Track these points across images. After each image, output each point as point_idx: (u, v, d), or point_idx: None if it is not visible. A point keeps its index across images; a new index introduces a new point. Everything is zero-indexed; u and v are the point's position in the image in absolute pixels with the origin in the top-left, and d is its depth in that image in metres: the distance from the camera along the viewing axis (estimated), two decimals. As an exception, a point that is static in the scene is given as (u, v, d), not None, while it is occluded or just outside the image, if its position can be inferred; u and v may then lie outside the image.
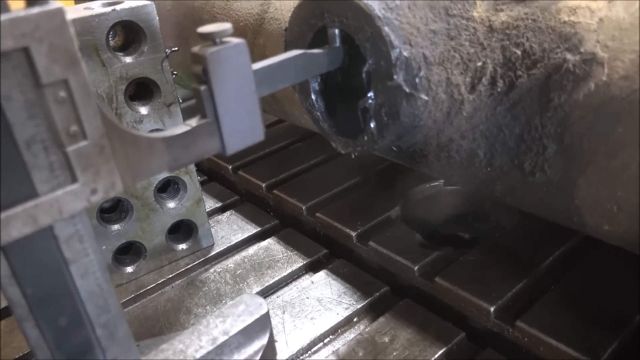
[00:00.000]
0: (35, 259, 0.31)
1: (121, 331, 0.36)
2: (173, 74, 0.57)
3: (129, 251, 0.63)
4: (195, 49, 0.36)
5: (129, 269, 0.62)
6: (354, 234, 0.64)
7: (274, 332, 0.51)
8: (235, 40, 0.36)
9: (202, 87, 0.36)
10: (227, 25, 0.36)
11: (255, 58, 0.73)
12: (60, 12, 0.28)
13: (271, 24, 0.67)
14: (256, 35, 0.69)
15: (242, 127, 0.38)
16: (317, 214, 0.68)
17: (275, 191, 0.75)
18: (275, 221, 0.72)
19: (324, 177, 0.77)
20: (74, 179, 0.31)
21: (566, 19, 0.39)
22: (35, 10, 0.27)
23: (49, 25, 0.28)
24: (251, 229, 0.70)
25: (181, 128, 0.36)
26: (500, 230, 0.65)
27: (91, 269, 0.33)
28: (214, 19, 0.77)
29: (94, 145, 0.31)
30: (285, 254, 0.63)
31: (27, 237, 0.30)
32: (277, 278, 0.59)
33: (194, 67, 0.36)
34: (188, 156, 0.36)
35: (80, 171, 0.31)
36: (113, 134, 0.32)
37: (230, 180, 0.85)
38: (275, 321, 0.53)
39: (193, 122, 0.36)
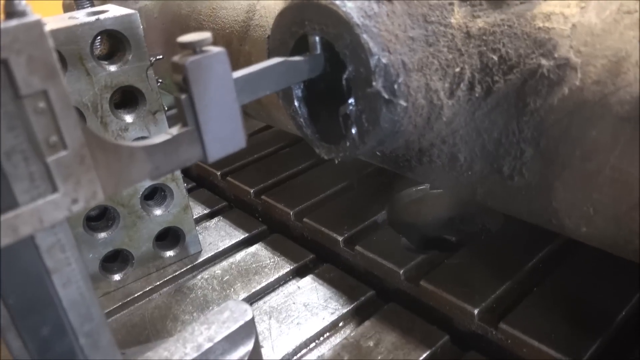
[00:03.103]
0: (16, 269, 0.32)
1: (104, 339, 0.36)
2: (158, 81, 0.57)
3: (116, 259, 0.63)
4: (176, 58, 0.36)
5: (117, 277, 0.62)
6: (340, 238, 0.64)
7: (260, 337, 0.52)
8: (215, 49, 0.37)
9: (183, 96, 0.36)
10: (206, 34, 0.36)
11: (241, 64, 0.73)
12: (38, 24, 0.28)
13: (256, 31, 0.68)
14: (242, 42, 0.70)
15: (223, 134, 0.39)
16: (305, 219, 0.69)
17: (263, 197, 0.76)
18: (263, 227, 0.72)
19: (312, 182, 0.78)
20: (54, 189, 0.31)
21: (541, 25, 0.40)
22: (14, 22, 0.28)
23: (27, 38, 0.28)
24: (239, 235, 0.70)
25: (162, 137, 0.36)
26: (486, 233, 0.66)
27: (73, 278, 0.34)
28: (200, 26, 0.78)
29: (74, 155, 0.31)
30: (273, 260, 0.63)
31: (8, 247, 0.30)
32: (264, 284, 0.60)
33: (175, 76, 0.37)
34: (170, 164, 0.36)
35: (60, 181, 0.31)
36: (94, 143, 0.32)
37: (219, 187, 0.85)
38: (261, 327, 0.53)
39: (174, 130, 0.37)
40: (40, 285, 0.33)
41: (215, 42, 0.75)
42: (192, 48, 0.36)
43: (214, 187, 0.86)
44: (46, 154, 0.30)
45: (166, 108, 0.59)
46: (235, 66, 0.79)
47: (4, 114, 0.29)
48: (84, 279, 0.34)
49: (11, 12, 0.28)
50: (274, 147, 0.90)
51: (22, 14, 0.28)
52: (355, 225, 0.66)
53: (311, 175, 0.81)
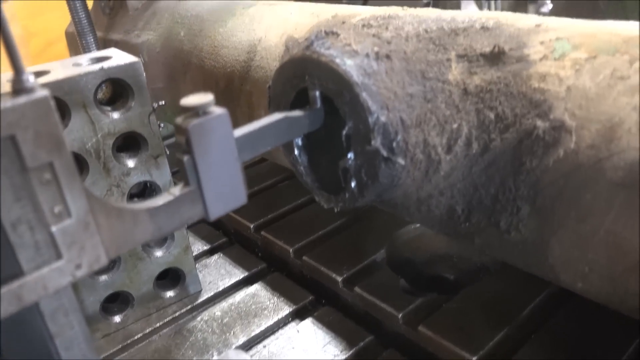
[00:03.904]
0: (20, 335, 0.32)
1: (106, 399, 0.36)
2: (160, 126, 0.58)
3: (116, 300, 0.63)
4: (179, 120, 0.37)
5: (117, 319, 0.62)
6: (340, 279, 0.64)
7: (260, 384, 0.52)
8: (217, 110, 0.37)
9: (185, 157, 0.37)
10: (209, 97, 0.37)
11: (241, 104, 0.74)
12: (45, 100, 0.29)
13: (257, 72, 0.69)
14: (243, 82, 0.71)
15: (224, 192, 0.39)
16: (304, 258, 0.69)
17: (263, 232, 0.76)
18: (263, 265, 0.73)
19: (312, 217, 0.78)
20: (58, 256, 0.31)
21: (536, 85, 0.40)
22: (22, 100, 0.28)
23: (34, 114, 0.29)
24: (238, 274, 0.70)
25: (165, 197, 0.37)
26: (484, 272, 0.66)
27: (76, 340, 0.34)
28: (201, 63, 0.79)
29: (78, 222, 0.32)
30: (272, 301, 0.64)
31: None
32: (263, 327, 0.60)
33: (177, 137, 0.37)
34: (172, 224, 0.37)
35: (65, 248, 0.31)
36: (97, 208, 0.33)
37: (219, 220, 0.86)
38: (261, 373, 0.53)
39: (176, 190, 0.37)
40: (43, 350, 0.33)
41: (216, 80, 0.76)
42: (195, 111, 0.37)
43: (215, 221, 0.86)
44: (51, 223, 0.31)
45: (168, 152, 0.60)
46: (237, 105, 0.80)
47: (11, 186, 0.29)
48: (86, 341, 0.35)
49: (19, 89, 0.29)
50: (273, 180, 0.91)
51: (30, 90, 0.29)
52: (354, 264, 0.66)
53: (311, 210, 0.81)
